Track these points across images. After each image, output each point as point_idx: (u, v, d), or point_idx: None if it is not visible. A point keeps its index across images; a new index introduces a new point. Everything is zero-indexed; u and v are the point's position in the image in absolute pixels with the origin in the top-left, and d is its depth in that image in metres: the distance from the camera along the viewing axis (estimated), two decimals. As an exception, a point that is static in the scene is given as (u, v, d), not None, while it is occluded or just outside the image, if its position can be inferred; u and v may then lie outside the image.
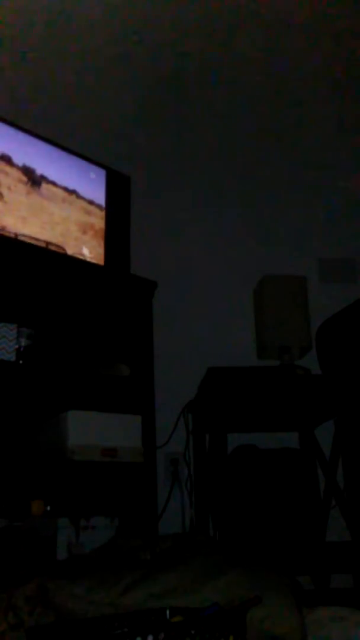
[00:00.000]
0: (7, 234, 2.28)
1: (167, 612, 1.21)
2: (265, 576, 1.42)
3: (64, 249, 2.44)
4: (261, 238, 3.21)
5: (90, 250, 2.54)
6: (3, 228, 2.28)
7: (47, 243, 2.39)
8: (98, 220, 2.62)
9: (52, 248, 2.40)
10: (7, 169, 2.36)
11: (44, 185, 2.47)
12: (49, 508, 2.11)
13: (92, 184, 2.63)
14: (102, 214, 2.65)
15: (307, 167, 3.39)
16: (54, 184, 2.50)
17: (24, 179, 2.40)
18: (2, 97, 2.95)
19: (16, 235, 2.30)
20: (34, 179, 2.43)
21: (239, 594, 1.31)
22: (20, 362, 2.21)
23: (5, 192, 2.33)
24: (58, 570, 1.56)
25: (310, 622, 1.34)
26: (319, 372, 2.63)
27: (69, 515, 2.19)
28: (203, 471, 2.66)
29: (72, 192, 2.55)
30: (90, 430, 2.18)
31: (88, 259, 2.52)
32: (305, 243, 3.23)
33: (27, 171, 2.42)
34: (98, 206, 2.64)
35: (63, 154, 2.56)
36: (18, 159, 2.40)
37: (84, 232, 2.54)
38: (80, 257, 2.50)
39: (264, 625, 1.26)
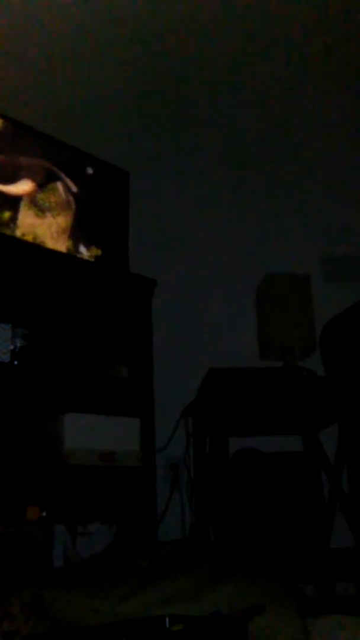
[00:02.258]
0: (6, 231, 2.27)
1: (167, 620, 1.19)
2: (268, 584, 1.41)
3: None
4: (264, 236, 3.22)
5: (89, 248, 2.51)
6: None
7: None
8: (96, 218, 2.60)
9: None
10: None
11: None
12: (44, 514, 2.10)
13: (90, 180, 2.61)
14: (101, 210, 2.63)
15: (310, 164, 3.40)
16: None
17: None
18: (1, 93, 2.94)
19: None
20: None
21: (240, 602, 1.30)
22: (15, 363, 2.21)
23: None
24: (54, 577, 1.57)
25: (314, 631, 1.33)
26: (322, 374, 2.62)
27: (66, 521, 2.18)
28: (203, 475, 2.64)
29: (71, 188, 2.52)
30: (88, 434, 2.17)
31: (86, 257, 2.50)
32: (308, 241, 3.24)
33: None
34: (96, 203, 2.62)
35: (60, 149, 2.54)
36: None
37: (82, 230, 2.51)
38: (78, 255, 2.49)
39: (266, 634, 1.24)
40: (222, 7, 3.26)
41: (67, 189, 2.51)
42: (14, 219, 2.31)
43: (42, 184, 2.44)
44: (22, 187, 2.36)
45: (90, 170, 2.62)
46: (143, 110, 3.30)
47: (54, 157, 2.50)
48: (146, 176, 3.05)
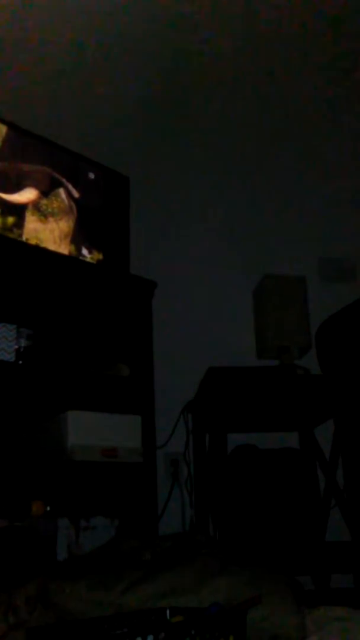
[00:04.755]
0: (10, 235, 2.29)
1: (168, 612, 1.22)
2: (266, 576, 1.42)
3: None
4: (261, 238, 3.21)
5: (90, 251, 2.53)
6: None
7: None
8: (97, 222, 2.61)
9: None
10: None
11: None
12: (49, 508, 2.12)
13: (91, 185, 2.63)
14: (102, 214, 2.63)
15: (307, 166, 3.40)
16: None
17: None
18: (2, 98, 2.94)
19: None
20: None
21: (239, 593, 1.32)
22: (20, 362, 2.21)
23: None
24: (58, 570, 1.56)
25: (311, 622, 1.34)
26: (318, 372, 2.63)
27: (69, 516, 2.19)
28: (203, 471, 2.66)
29: (73, 193, 2.54)
30: (90, 431, 2.18)
31: (88, 259, 2.52)
32: (305, 243, 3.23)
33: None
34: (98, 207, 2.63)
35: (62, 155, 2.56)
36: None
37: (83, 234, 2.53)
38: (80, 257, 2.50)
39: (264, 625, 1.26)
40: (224, 11, 3.26)
41: (69, 194, 2.52)
42: (18, 224, 2.32)
43: (47, 191, 2.44)
44: (27, 195, 2.35)
45: (91, 175, 2.63)
46: (142, 114, 3.28)
47: (56, 163, 2.50)
48: (146, 179, 3.05)
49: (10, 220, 2.30)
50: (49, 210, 2.43)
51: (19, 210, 2.35)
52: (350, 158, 3.45)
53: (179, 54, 3.32)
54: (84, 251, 2.51)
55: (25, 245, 2.32)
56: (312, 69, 3.49)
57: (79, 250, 2.50)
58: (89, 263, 2.52)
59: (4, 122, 2.39)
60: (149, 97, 3.31)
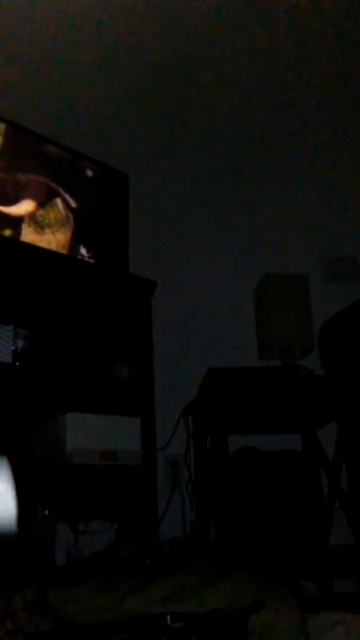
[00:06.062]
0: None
1: (168, 617, 1.19)
2: (268, 581, 1.41)
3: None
4: (263, 236, 3.21)
5: (89, 250, 2.52)
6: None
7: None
8: (95, 226, 2.60)
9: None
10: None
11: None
12: (47, 512, 2.10)
13: (90, 183, 2.61)
14: (101, 213, 2.63)
15: (309, 164, 3.41)
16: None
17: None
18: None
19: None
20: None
21: (240, 598, 1.30)
22: (17, 363, 2.20)
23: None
24: (57, 575, 1.55)
25: (314, 627, 1.33)
26: (321, 372, 2.63)
27: (68, 520, 2.17)
28: (204, 474, 2.65)
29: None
30: (89, 433, 2.17)
31: (86, 259, 2.50)
32: (307, 241, 3.23)
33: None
34: (97, 205, 2.62)
35: (60, 152, 2.54)
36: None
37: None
38: (78, 256, 2.49)
39: (266, 630, 1.25)
40: (223, 11, 3.26)
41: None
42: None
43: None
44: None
45: (89, 173, 2.62)
46: (142, 111, 3.29)
47: (54, 162, 2.50)
48: (145, 177, 3.05)
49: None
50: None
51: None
52: (353, 156, 3.46)
53: (179, 53, 3.33)
54: (83, 249, 2.50)
55: (23, 245, 2.31)
56: (314, 67, 3.50)
57: (77, 248, 2.49)
58: (87, 262, 2.52)
59: (2, 120, 2.37)
60: (150, 94, 3.32)
